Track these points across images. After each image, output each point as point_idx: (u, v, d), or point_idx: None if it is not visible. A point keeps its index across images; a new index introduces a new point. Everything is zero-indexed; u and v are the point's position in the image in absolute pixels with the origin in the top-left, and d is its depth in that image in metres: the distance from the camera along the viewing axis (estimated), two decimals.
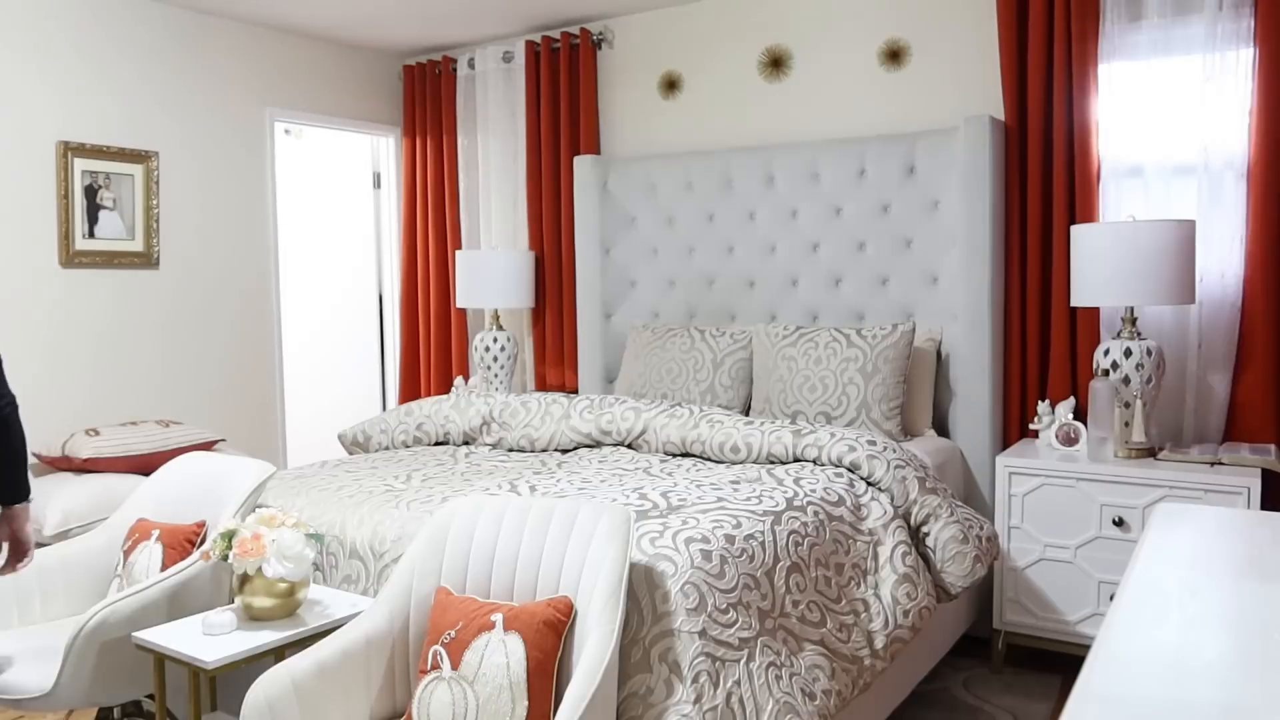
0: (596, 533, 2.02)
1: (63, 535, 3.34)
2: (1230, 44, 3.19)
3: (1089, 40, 3.36)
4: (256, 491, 2.57)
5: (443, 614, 2.00)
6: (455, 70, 4.98)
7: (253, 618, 2.17)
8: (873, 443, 2.91)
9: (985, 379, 3.50)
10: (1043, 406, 3.42)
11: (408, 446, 3.55)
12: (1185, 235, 3.04)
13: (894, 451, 2.90)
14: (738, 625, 2.08)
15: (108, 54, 4.01)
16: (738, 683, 2.00)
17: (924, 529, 2.81)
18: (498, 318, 4.64)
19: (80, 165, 3.90)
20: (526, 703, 1.87)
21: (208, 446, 3.87)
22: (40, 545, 3.38)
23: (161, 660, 2.12)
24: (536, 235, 4.73)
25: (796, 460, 2.98)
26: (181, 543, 2.52)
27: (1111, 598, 2.00)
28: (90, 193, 3.94)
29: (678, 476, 2.85)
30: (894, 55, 3.86)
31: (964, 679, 3.32)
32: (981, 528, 2.94)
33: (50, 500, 3.40)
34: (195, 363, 4.35)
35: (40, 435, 3.81)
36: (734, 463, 3.06)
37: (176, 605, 2.32)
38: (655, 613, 2.00)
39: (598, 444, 3.32)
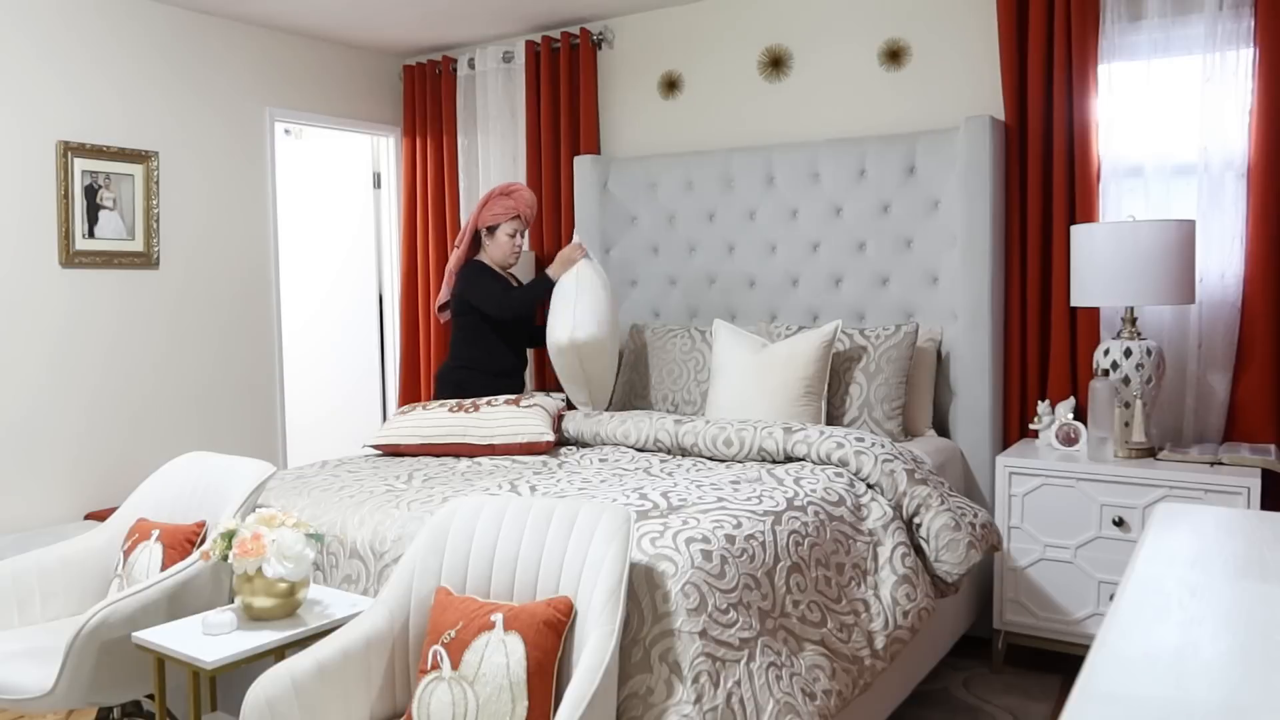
0: (597, 533, 2.02)
1: (62, 536, 3.34)
2: (1230, 44, 3.19)
3: (1089, 40, 3.36)
4: (256, 491, 2.57)
5: (443, 614, 2.00)
6: (455, 70, 4.97)
7: (253, 618, 2.17)
8: (860, 439, 2.94)
9: (985, 379, 3.50)
10: (1043, 406, 3.42)
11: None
12: (1185, 235, 3.04)
13: (882, 447, 2.92)
14: (738, 625, 2.08)
15: (108, 54, 4.01)
16: (738, 683, 2.00)
17: (916, 520, 2.82)
18: None
19: (80, 165, 3.90)
20: (526, 703, 1.87)
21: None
22: (39, 545, 3.39)
23: (161, 660, 2.12)
24: (536, 235, 4.72)
25: (788, 458, 3.01)
26: (181, 543, 2.52)
27: (1111, 597, 2.00)
28: (90, 193, 3.94)
29: (678, 476, 2.85)
30: (894, 55, 3.86)
31: (964, 679, 3.31)
32: (975, 515, 2.95)
33: None
34: (195, 362, 4.35)
35: (39, 435, 3.81)
36: (728, 459, 3.09)
37: (176, 605, 2.32)
38: (655, 613, 2.00)
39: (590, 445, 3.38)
